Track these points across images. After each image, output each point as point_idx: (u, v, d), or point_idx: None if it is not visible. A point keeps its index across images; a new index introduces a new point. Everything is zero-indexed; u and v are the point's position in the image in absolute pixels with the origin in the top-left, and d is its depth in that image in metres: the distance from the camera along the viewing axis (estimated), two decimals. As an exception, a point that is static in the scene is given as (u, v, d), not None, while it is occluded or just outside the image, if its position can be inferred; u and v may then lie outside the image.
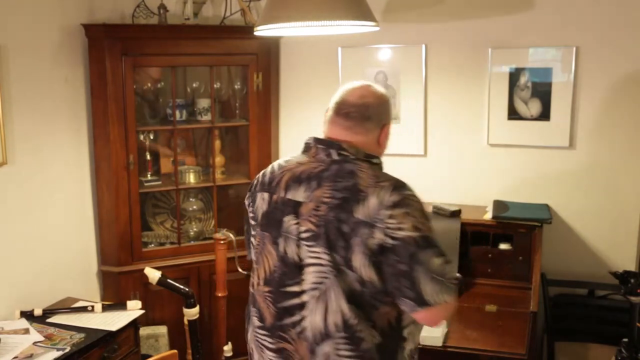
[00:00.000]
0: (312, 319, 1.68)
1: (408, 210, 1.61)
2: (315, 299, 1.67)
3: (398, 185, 1.65)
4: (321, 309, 1.66)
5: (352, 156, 1.72)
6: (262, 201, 1.80)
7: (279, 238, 1.73)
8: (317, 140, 1.78)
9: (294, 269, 1.70)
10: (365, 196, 1.62)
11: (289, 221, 1.70)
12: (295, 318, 1.70)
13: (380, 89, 1.81)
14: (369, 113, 1.75)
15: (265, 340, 1.78)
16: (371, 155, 1.75)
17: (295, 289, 1.70)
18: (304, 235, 1.68)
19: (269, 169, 1.85)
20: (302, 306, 1.69)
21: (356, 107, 1.75)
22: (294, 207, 1.70)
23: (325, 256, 1.65)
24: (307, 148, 1.80)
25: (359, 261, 1.62)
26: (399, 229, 1.59)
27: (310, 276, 1.67)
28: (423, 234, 1.61)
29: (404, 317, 1.70)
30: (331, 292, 1.65)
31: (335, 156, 1.72)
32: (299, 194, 1.71)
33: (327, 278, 1.65)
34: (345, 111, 1.75)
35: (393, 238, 1.59)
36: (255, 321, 1.81)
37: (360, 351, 1.65)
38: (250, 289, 1.85)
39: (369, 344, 1.65)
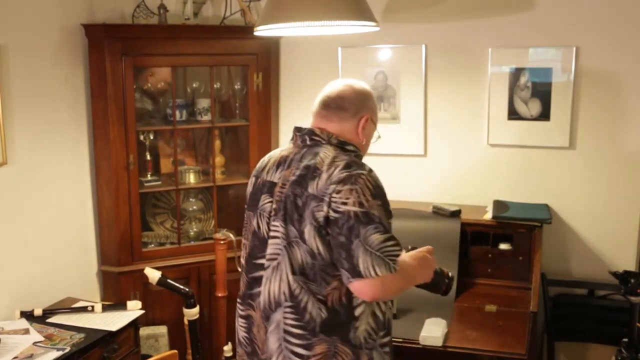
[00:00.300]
0: (269, 288, 1.83)
1: (355, 187, 1.72)
2: (272, 269, 1.82)
3: (351, 164, 1.78)
4: (276, 279, 1.81)
5: (323, 141, 1.87)
6: (250, 185, 1.98)
7: (256, 215, 1.90)
8: (296, 129, 1.94)
9: (262, 243, 1.86)
10: (320, 173, 1.77)
11: (264, 200, 1.88)
12: (260, 288, 1.86)
13: (360, 84, 1.95)
14: (344, 104, 1.90)
15: (239, 308, 1.97)
16: (345, 142, 1.88)
17: (262, 261, 1.86)
18: (271, 211, 1.84)
19: (265, 157, 2.01)
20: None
21: (332, 99, 1.91)
22: (269, 188, 1.87)
23: (281, 229, 1.80)
24: (291, 137, 1.97)
25: (308, 233, 1.75)
26: (343, 203, 1.71)
27: (269, 248, 1.83)
28: (365, 210, 1.70)
29: (356, 296, 1.77)
30: (283, 263, 1.79)
31: (308, 142, 1.89)
32: (275, 176, 1.88)
33: (281, 249, 1.79)
34: (324, 103, 1.92)
35: (336, 211, 1.71)
36: (239, 292, 1.99)
37: (304, 322, 1.77)
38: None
39: (314, 316, 1.76)
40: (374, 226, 1.70)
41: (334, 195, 1.72)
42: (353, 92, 1.91)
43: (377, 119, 1.99)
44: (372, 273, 1.68)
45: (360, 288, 1.71)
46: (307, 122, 1.80)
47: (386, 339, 1.88)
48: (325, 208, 1.72)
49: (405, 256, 1.80)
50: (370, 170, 1.79)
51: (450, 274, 2.01)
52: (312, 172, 1.78)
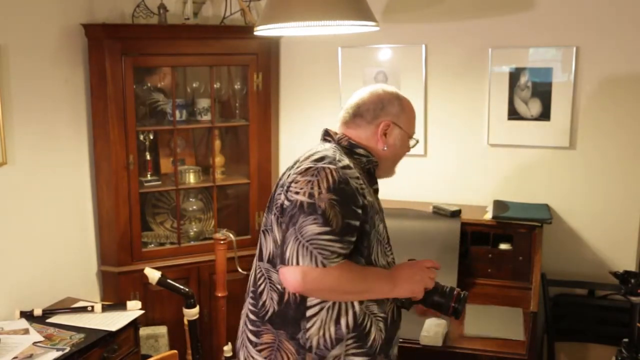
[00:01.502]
0: (251, 276, 1.88)
1: (313, 179, 1.68)
2: (255, 259, 1.88)
3: (321, 158, 1.74)
4: (253, 266, 1.88)
5: (332, 141, 1.88)
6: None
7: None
8: (323, 132, 1.96)
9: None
10: (296, 164, 1.78)
11: (277, 195, 1.84)
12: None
13: (383, 89, 1.92)
14: (360, 111, 1.89)
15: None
16: (356, 145, 1.87)
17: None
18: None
19: None
20: None
21: (351, 106, 1.91)
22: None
23: (264, 219, 1.84)
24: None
25: (272, 221, 1.77)
26: (296, 192, 1.69)
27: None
28: (312, 201, 1.65)
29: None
30: (257, 251, 1.85)
31: (321, 140, 1.92)
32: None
33: (259, 239, 1.84)
34: (345, 110, 1.93)
35: (288, 200, 1.70)
36: None
37: (257, 308, 1.80)
38: None
39: (267, 304, 1.78)
40: (314, 217, 1.64)
41: (292, 184, 1.70)
42: (371, 98, 1.89)
43: (411, 123, 1.93)
44: (294, 261, 1.64)
45: (283, 275, 1.67)
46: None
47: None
48: (282, 197, 1.72)
49: (361, 266, 1.73)
50: (346, 167, 1.72)
51: (462, 295, 1.85)
52: (293, 165, 1.79)
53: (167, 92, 3.42)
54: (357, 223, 1.70)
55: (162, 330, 3.16)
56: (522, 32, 3.14)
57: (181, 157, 3.51)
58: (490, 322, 2.63)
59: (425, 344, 2.48)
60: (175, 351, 2.52)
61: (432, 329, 2.51)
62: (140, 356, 2.90)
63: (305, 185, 1.67)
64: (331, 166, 1.70)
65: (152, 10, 3.27)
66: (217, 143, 3.50)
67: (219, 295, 3.12)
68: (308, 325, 1.72)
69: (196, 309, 2.97)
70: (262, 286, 1.80)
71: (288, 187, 1.71)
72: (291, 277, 1.64)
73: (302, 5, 2.14)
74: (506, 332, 2.54)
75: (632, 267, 3.08)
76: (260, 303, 1.79)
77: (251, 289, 1.85)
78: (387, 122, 1.87)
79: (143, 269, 2.98)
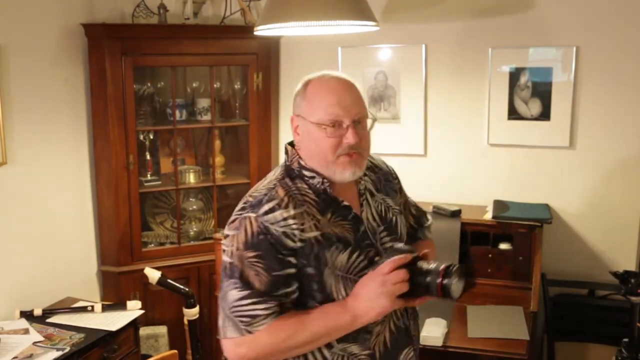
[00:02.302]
0: None
1: (235, 232, 1.55)
2: None
3: (246, 202, 1.59)
4: None
5: (286, 163, 1.68)
6: None
7: None
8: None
9: None
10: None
11: None
12: None
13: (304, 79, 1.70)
14: None
15: None
16: (305, 167, 1.63)
17: None
18: None
19: None
20: None
21: None
22: None
23: None
24: None
25: None
26: (224, 250, 1.57)
27: None
28: (231, 261, 1.53)
29: None
30: None
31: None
32: None
33: None
34: None
35: (223, 260, 1.58)
36: None
37: None
38: None
39: None
40: (233, 281, 1.51)
41: (223, 241, 1.58)
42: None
43: (313, 108, 1.60)
44: (223, 334, 1.55)
45: (224, 348, 1.57)
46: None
47: None
48: None
49: (299, 313, 1.54)
50: (269, 211, 1.52)
51: (450, 268, 1.53)
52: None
53: (167, 92, 3.41)
54: (292, 270, 1.53)
55: (162, 330, 3.16)
56: (522, 32, 3.14)
57: (181, 157, 3.51)
58: (493, 322, 2.62)
59: (425, 344, 2.47)
60: (175, 351, 2.52)
61: (432, 329, 2.51)
62: (140, 356, 2.90)
63: (230, 241, 1.55)
64: (251, 215, 1.53)
65: (152, 10, 3.27)
66: (217, 143, 3.50)
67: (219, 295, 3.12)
68: None
69: (196, 309, 2.97)
70: None
71: (223, 243, 1.59)
72: (227, 350, 1.56)
73: (302, 5, 2.15)
74: (510, 331, 2.54)
75: (632, 267, 3.08)
76: None
77: None
78: (292, 116, 1.67)
79: (143, 269, 2.98)
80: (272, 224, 1.51)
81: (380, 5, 3.30)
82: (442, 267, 1.53)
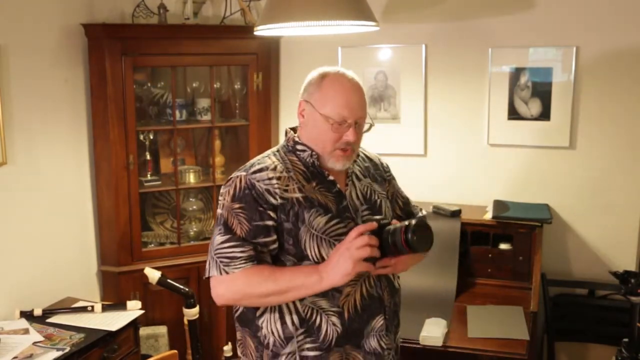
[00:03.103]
0: None
1: (225, 189, 1.78)
2: None
3: (245, 166, 1.82)
4: None
5: (284, 142, 1.90)
6: None
7: None
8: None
9: None
10: None
11: None
12: None
13: (318, 70, 1.86)
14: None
15: None
16: (299, 142, 1.83)
17: None
18: None
19: None
20: None
21: None
22: None
23: None
24: None
25: None
26: (219, 205, 1.80)
27: None
28: (220, 212, 1.76)
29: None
30: None
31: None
32: None
33: None
34: None
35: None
36: None
37: (233, 310, 1.89)
38: None
39: (234, 306, 1.87)
40: (219, 228, 1.75)
41: (219, 197, 1.82)
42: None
43: (324, 101, 1.76)
44: (207, 273, 1.79)
45: (211, 287, 1.79)
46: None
47: (311, 354, 1.74)
48: None
49: (275, 267, 1.72)
50: (258, 171, 1.76)
51: (412, 223, 1.63)
52: None
53: (167, 92, 3.41)
54: (270, 222, 1.72)
55: (162, 330, 3.16)
56: (522, 32, 3.14)
57: (181, 157, 3.51)
58: (493, 322, 2.63)
59: (425, 344, 2.48)
60: (175, 351, 2.52)
61: (432, 329, 2.51)
62: (140, 356, 2.90)
63: (222, 197, 1.79)
64: (242, 174, 1.77)
65: (152, 10, 3.27)
66: (217, 143, 3.50)
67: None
68: (260, 324, 1.79)
69: (196, 309, 2.97)
70: None
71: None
72: (215, 290, 1.78)
73: (302, 5, 2.15)
74: (510, 331, 2.54)
75: (632, 267, 3.08)
76: (234, 306, 1.88)
77: None
78: (301, 101, 1.83)
79: (143, 269, 2.98)
80: (257, 181, 1.74)
81: (380, 5, 3.30)
82: (404, 224, 1.65)
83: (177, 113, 3.33)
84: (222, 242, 1.74)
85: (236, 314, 1.87)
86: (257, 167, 1.77)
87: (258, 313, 1.79)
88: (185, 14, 3.33)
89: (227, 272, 1.72)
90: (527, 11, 3.12)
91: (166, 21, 3.24)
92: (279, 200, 1.72)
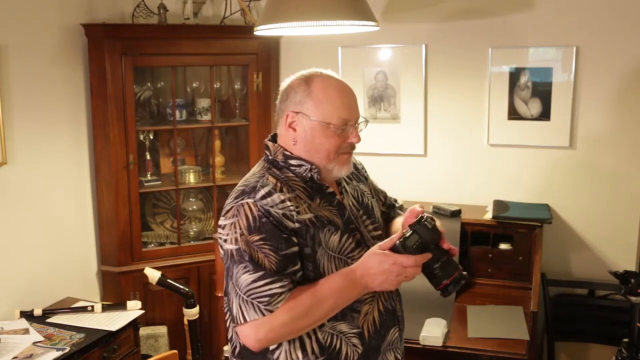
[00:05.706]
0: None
1: (234, 220, 1.57)
2: None
3: (241, 192, 1.61)
4: None
5: (269, 157, 1.72)
6: None
7: None
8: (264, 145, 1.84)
9: None
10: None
11: None
12: None
13: (297, 76, 1.72)
14: (277, 109, 1.73)
15: None
16: (291, 156, 1.68)
17: None
18: None
19: None
20: None
21: None
22: None
23: None
24: None
25: None
26: (225, 240, 1.59)
27: None
28: (238, 247, 1.55)
29: None
30: None
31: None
32: None
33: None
34: None
35: (222, 249, 1.62)
36: None
37: (230, 345, 1.76)
38: None
39: (233, 340, 1.72)
40: (244, 265, 1.54)
41: (220, 230, 1.62)
42: (281, 93, 1.72)
43: (321, 108, 1.63)
44: (242, 319, 1.56)
45: (240, 335, 1.60)
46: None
47: None
48: (220, 247, 1.64)
49: (308, 288, 1.58)
50: (266, 195, 1.58)
51: (460, 276, 1.67)
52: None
53: (167, 92, 3.41)
54: (295, 249, 1.58)
55: (162, 330, 3.16)
56: (522, 32, 3.14)
57: (181, 157, 3.52)
58: (493, 322, 2.62)
59: (425, 344, 2.47)
60: (175, 351, 2.52)
61: (432, 329, 2.51)
62: (140, 356, 2.90)
63: (230, 229, 1.57)
64: (249, 200, 1.57)
65: (152, 10, 3.27)
66: (217, 143, 3.50)
67: (219, 295, 3.12)
68: (274, 357, 1.64)
69: (196, 309, 2.97)
70: (228, 321, 1.71)
71: (219, 235, 1.62)
72: (245, 336, 1.58)
73: (302, 5, 2.15)
74: (510, 331, 2.54)
75: (632, 267, 3.08)
76: (229, 337, 1.74)
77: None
78: (288, 113, 1.66)
79: (143, 269, 2.98)
80: (271, 206, 1.57)
81: (380, 5, 3.30)
82: (456, 273, 1.64)
83: (177, 113, 3.33)
84: (255, 281, 1.54)
85: (237, 350, 1.71)
86: (263, 191, 1.59)
87: (272, 347, 1.64)
88: (185, 14, 3.33)
89: (270, 311, 1.54)
90: (527, 11, 3.12)
91: (166, 21, 3.24)
92: (297, 224, 1.58)
